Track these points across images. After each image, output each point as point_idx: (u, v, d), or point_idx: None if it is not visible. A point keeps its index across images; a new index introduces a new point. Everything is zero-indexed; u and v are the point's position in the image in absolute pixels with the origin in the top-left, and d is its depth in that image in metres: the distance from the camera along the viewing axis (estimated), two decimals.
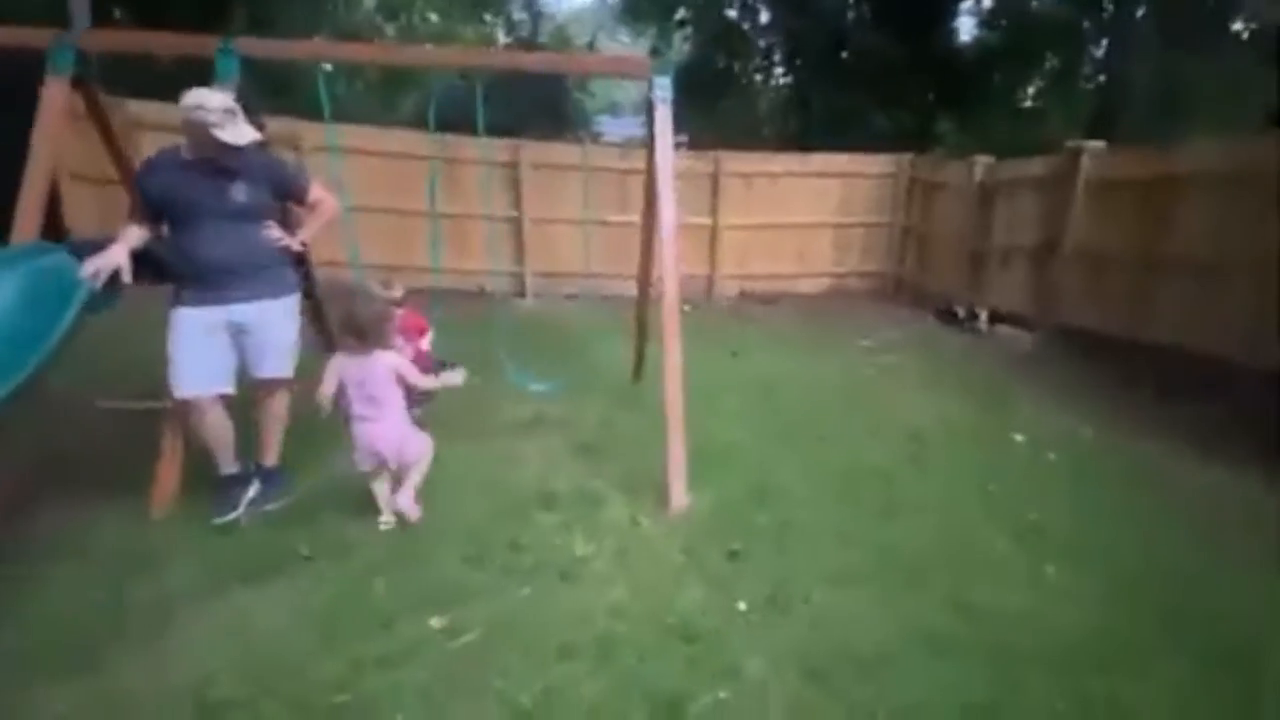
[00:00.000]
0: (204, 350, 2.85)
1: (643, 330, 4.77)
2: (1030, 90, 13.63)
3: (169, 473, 2.99)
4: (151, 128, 7.40)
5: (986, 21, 12.78)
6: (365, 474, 2.93)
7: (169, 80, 3.51)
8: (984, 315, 7.30)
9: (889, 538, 2.94)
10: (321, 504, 3.07)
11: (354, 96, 11.22)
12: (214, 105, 2.72)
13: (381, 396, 2.83)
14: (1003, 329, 7.04)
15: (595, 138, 15.83)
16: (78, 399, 3.81)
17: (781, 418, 4.42)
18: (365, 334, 2.79)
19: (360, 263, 3.79)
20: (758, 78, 13.62)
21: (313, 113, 7.45)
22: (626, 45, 17.57)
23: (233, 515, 2.94)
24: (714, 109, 11.82)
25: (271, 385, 3.06)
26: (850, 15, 11.73)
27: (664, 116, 3.49)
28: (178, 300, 2.87)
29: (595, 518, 3.03)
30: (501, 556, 2.70)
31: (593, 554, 2.72)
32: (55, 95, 3.06)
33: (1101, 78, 12.27)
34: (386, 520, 2.94)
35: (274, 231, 2.97)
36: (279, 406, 3.13)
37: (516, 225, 8.34)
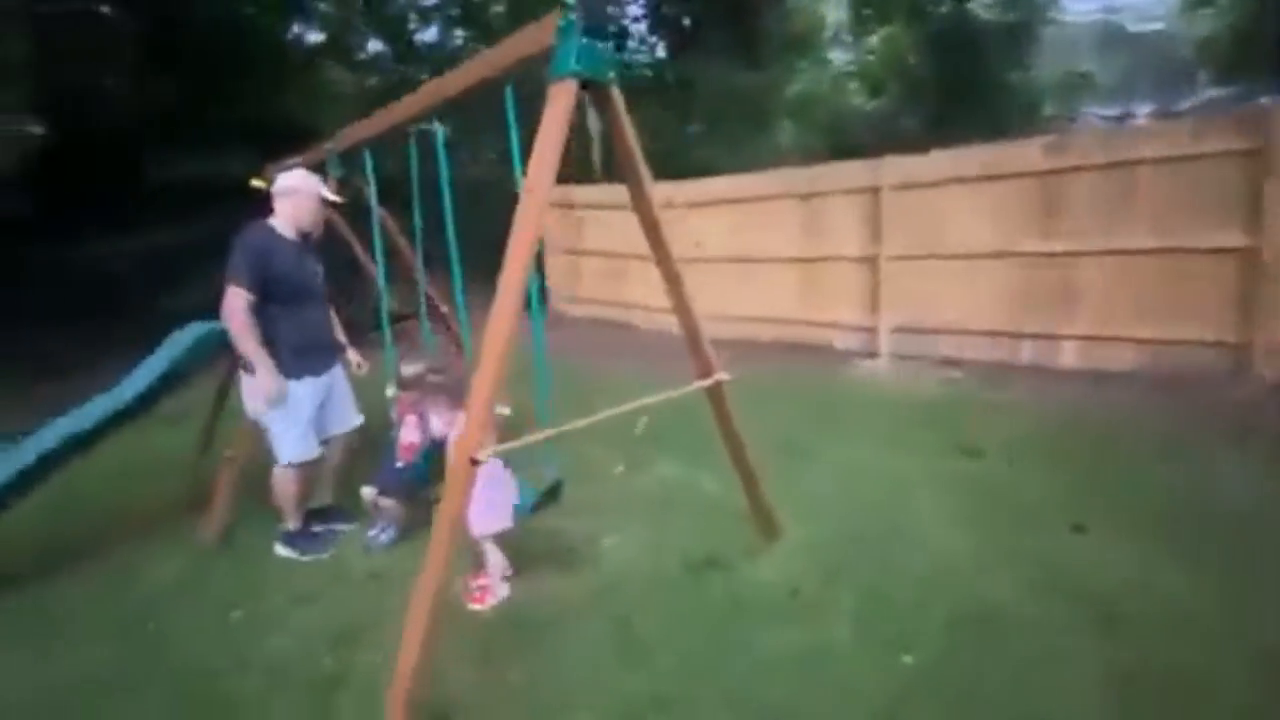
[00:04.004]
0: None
1: (736, 451, 2.85)
2: None
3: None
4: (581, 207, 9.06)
5: None
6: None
7: None
8: None
9: None
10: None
11: (708, 144, 10.59)
12: None
13: None
14: None
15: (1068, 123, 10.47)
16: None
17: None
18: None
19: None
20: None
21: (680, 173, 7.71)
22: None
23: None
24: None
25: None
26: None
27: (560, 110, 1.96)
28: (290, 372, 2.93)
29: None
30: None
31: None
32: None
33: None
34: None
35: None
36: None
37: (871, 264, 6.37)
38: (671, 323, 8.23)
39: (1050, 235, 5.37)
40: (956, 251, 5.82)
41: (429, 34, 12.64)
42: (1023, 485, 3.41)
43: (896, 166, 6.05)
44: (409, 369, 3.21)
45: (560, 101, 1.94)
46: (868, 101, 11.67)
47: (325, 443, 3.14)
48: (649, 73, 11.15)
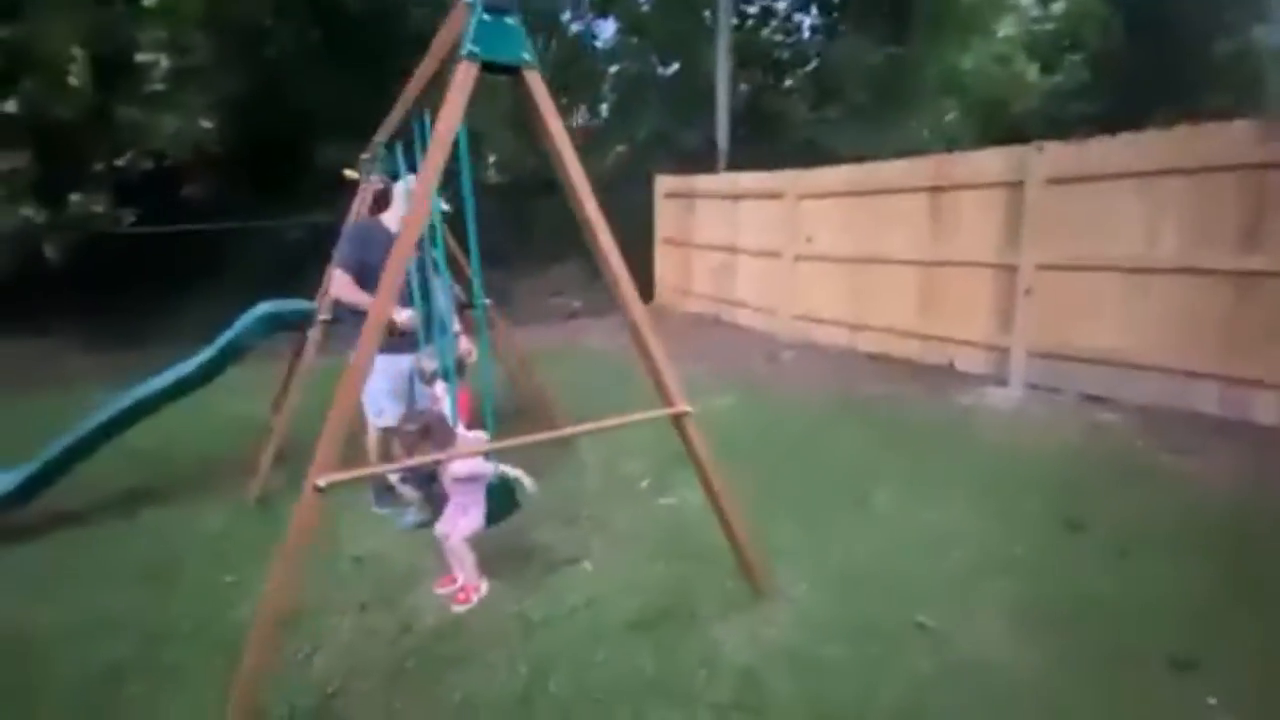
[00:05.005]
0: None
1: (708, 490, 2.44)
2: None
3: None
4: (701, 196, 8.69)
5: None
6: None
7: None
8: None
9: None
10: None
11: (837, 128, 9.12)
12: None
13: None
14: None
15: None
16: None
17: None
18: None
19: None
20: None
21: (816, 161, 6.99)
22: None
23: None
24: None
25: None
26: None
27: (456, 92, 1.73)
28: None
29: None
30: None
31: None
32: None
33: None
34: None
35: None
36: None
37: (1008, 273, 5.32)
38: (780, 324, 7.60)
39: (1256, 248, 4.07)
40: (1122, 263, 4.65)
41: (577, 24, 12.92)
42: (1126, 587, 2.58)
43: (1048, 156, 4.97)
44: (429, 363, 3.18)
45: (457, 84, 1.71)
46: (1041, 80, 9.71)
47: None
48: (785, 55, 10.37)
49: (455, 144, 1.81)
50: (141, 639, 2.40)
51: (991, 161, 5.35)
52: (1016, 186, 5.15)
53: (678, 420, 2.25)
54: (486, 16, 1.68)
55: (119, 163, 6.34)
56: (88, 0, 6.11)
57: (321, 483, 1.66)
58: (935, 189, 5.82)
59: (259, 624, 1.73)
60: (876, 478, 3.67)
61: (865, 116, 9.08)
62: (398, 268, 1.73)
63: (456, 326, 3.54)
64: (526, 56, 1.77)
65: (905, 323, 6.16)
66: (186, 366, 3.58)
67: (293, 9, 7.32)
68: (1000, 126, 7.33)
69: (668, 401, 2.24)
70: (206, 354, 3.61)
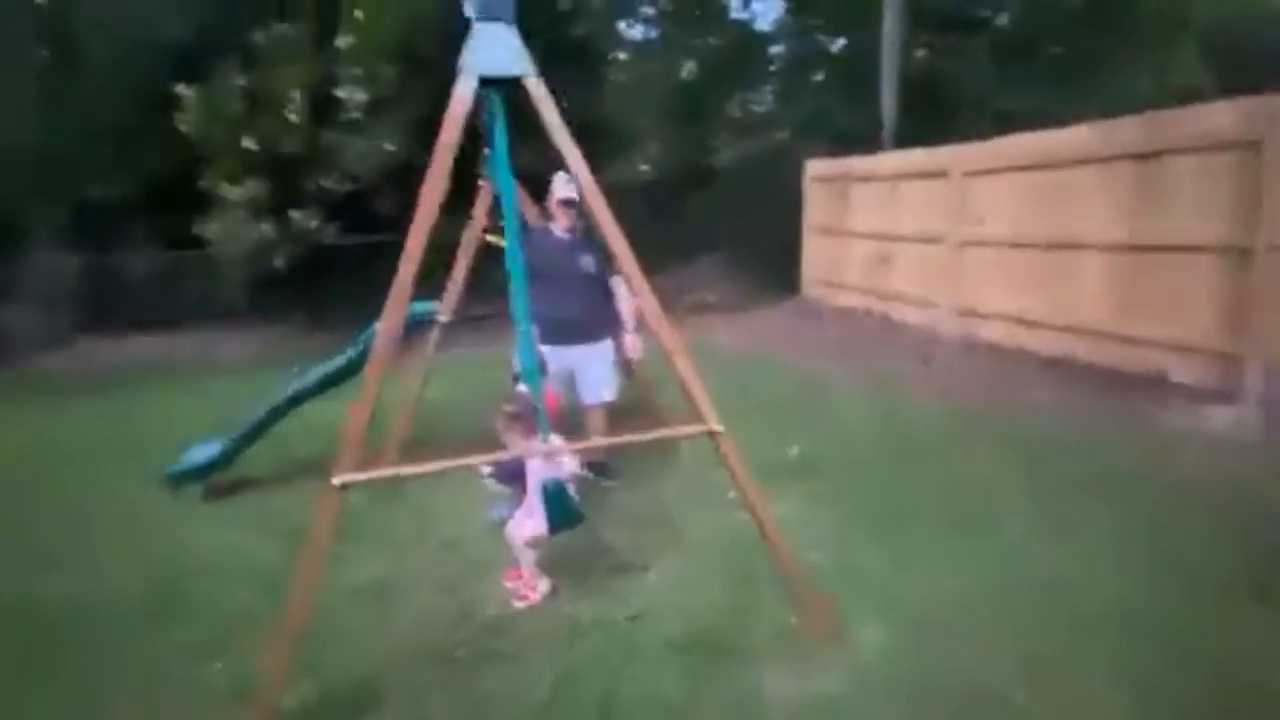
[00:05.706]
0: None
1: (754, 517, 2.23)
2: None
3: None
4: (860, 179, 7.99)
5: None
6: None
7: None
8: None
9: None
10: None
11: (1030, 90, 7.12)
12: None
13: None
14: None
15: None
16: None
17: None
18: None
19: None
20: None
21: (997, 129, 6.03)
22: None
23: None
24: None
25: None
26: None
27: (455, 105, 1.77)
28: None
29: None
30: None
31: None
32: None
33: None
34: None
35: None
36: None
37: (1240, 258, 4.15)
38: (940, 320, 6.89)
39: None
40: None
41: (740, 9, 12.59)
42: None
43: None
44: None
45: (456, 98, 1.74)
46: None
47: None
48: (969, 10, 8.97)
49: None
50: (255, 588, 2.76)
51: (1220, 117, 4.21)
52: (1254, 147, 4.00)
53: (711, 439, 2.09)
54: (479, 25, 1.68)
55: (325, 184, 7.52)
56: (306, 49, 7.31)
57: (338, 482, 1.81)
58: (1142, 156, 4.73)
59: (290, 606, 1.92)
60: (1008, 508, 3.11)
61: (1066, 73, 7.58)
62: (416, 248, 1.81)
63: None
64: (523, 67, 1.74)
65: (1097, 320, 5.12)
66: (340, 360, 4.14)
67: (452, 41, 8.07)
68: (1249, 75, 5.62)
69: (699, 418, 2.09)
70: (355, 350, 4.15)
